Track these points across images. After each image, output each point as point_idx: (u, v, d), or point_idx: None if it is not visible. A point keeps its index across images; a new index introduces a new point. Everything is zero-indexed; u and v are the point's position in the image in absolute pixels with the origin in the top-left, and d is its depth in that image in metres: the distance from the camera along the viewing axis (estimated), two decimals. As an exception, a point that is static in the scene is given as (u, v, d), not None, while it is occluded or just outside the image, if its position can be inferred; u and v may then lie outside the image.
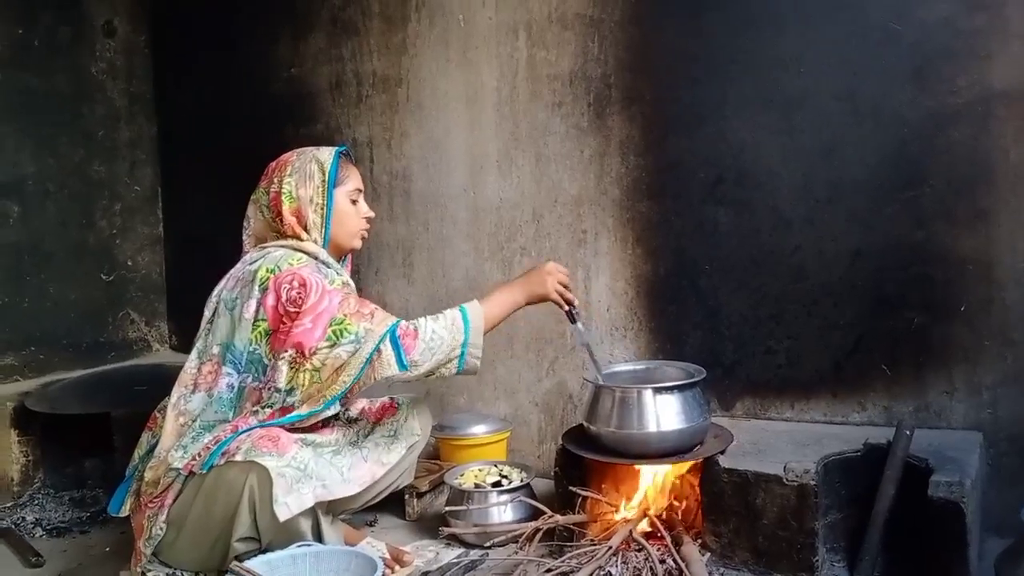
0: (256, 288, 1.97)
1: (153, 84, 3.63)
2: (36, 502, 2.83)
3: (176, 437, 1.98)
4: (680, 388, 2.10)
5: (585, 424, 2.18)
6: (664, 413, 2.06)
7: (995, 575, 1.81)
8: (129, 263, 3.56)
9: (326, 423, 2.15)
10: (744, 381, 2.48)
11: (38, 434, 2.92)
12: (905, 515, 1.94)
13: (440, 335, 1.95)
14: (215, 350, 2.02)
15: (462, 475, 2.48)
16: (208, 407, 2.00)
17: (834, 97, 2.31)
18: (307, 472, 1.89)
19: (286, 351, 1.93)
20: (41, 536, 2.57)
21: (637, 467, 2.21)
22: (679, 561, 1.96)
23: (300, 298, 1.93)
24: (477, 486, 2.41)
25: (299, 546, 1.82)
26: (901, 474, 1.95)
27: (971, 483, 1.83)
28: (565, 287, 2.14)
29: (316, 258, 2.05)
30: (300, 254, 2.03)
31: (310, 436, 2.02)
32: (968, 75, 2.15)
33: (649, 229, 2.60)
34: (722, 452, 2.10)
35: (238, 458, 1.85)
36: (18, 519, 2.69)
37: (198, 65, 3.53)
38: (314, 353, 1.92)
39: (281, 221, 2.07)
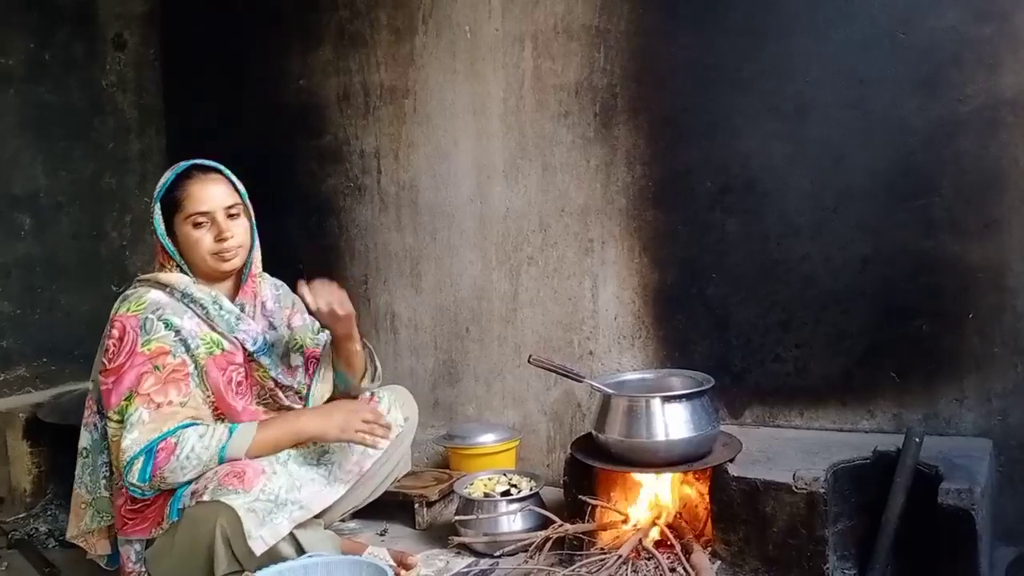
0: (108, 326, 1.95)
1: (163, 97, 3.65)
2: (48, 513, 2.83)
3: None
4: (688, 397, 2.10)
5: (594, 433, 2.18)
6: (673, 422, 2.06)
7: (1007, 584, 1.81)
8: (139, 274, 3.56)
9: None
10: (753, 389, 2.48)
11: (50, 445, 2.93)
12: (915, 523, 1.94)
13: (198, 453, 1.84)
14: (90, 384, 2.02)
15: (471, 484, 2.48)
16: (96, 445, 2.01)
17: (842, 105, 2.31)
18: (278, 501, 1.83)
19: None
20: (54, 547, 2.58)
21: (646, 476, 2.21)
22: (689, 570, 1.96)
23: (112, 351, 1.89)
24: (486, 495, 2.41)
25: (311, 556, 1.82)
26: (911, 481, 1.95)
27: (981, 490, 1.83)
28: (372, 421, 1.99)
29: (175, 290, 1.97)
30: (150, 294, 1.96)
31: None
32: (976, 83, 2.16)
33: (656, 238, 2.61)
34: (731, 460, 2.10)
35: (205, 498, 1.79)
36: (31, 530, 2.69)
37: (207, 77, 3.55)
38: (108, 419, 1.90)
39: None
